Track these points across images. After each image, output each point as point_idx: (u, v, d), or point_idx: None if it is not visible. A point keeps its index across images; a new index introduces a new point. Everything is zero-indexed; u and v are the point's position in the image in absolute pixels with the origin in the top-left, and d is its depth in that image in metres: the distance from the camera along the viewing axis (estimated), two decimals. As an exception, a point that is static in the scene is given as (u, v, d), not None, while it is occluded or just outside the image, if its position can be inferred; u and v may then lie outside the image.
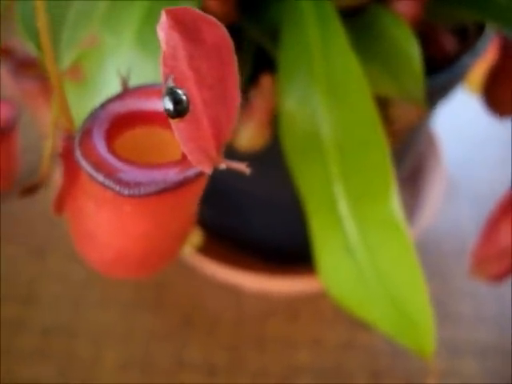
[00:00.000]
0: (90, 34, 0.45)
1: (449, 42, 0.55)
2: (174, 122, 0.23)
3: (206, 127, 0.24)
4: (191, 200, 0.31)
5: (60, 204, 0.33)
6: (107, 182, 0.27)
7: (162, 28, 0.23)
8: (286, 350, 0.66)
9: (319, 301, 0.69)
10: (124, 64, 0.46)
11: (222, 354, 0.65)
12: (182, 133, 0.24)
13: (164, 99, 0.23)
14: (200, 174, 0.27)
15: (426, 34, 0.54)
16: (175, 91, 0.23)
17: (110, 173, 0.27)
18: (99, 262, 0.34)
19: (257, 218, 0.66)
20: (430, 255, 0.74)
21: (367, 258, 0.43)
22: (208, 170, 0.26)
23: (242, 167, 0.26)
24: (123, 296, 0.69)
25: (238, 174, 0.59)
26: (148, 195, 0.27)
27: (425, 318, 0.42)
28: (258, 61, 0.51)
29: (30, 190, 0.34)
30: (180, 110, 0.23)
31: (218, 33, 0.24)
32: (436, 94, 0.54)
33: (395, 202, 0.42)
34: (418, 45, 0.47)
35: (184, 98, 0.23)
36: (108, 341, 0.66)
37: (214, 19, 0.24)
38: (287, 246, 0.68)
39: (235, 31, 0.52)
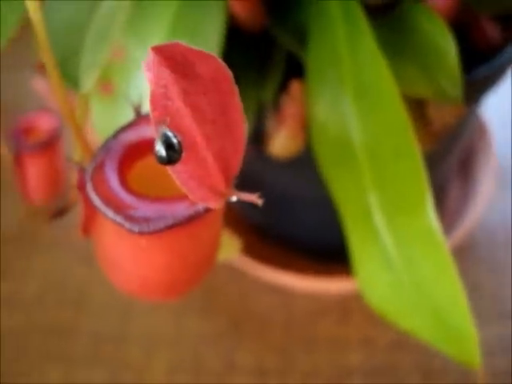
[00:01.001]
0: (116, 47, 0.45)
1: (492, 30, 0.53)
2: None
3: (211, 163, 0.23)
4: (208, 230, 0.30)
5: (86, 228, 0.33)
6: (117, 219, 0.26)
7: (149, 67, 0.22)
8: (337, 351, 0.65)
9: None
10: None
11: (272, 356, 0.65)
12: (180, 174, 0.23)
13: (156, 145, 0.22)
14: (209, 209, 0.26)
15: (467, 23, 0.52)
16: (167, 136, 0.22)
17: (120, 209, 0.27)
18: (125, 287, 0.34)
19: (304, 218, 0.66)
20: (481, 247, 0.72)
21: (405, 269, 0.42)
22: (216, 206, 0.25)
23: (253, 198, 0.24)
24: (171, 301, 0.68)
25: (280, 177, 0.60)
26: (157, 231, 0.26)
27: (467, 329, 0.41)
28: (290, 67, 0.50)
29: (59, 213, 0.34)
30: (172, 156, 0.22)
31: (213, 65, 0.23)
32: (481, 85, 0.52)
33: (431, 213, 0.40)
34: (453, 40, 0.45)
35: (176, 142, 0.22)
36: (158, 345, 0.66)
37: (206, 52, 0.23)
38: (336, 245, 0.67)
39: (265, 38, 0.52)
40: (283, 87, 0.49)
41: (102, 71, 0.48)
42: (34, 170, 0.72)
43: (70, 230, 0.75)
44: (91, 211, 0.30)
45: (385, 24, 0.46)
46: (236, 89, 0.24)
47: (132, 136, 0.29)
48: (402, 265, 0.42)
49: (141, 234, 0.26)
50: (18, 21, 0.26)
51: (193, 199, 0.24)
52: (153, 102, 0.22)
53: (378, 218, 0.42)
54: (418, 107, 0.46)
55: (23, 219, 0.77)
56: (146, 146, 0.29)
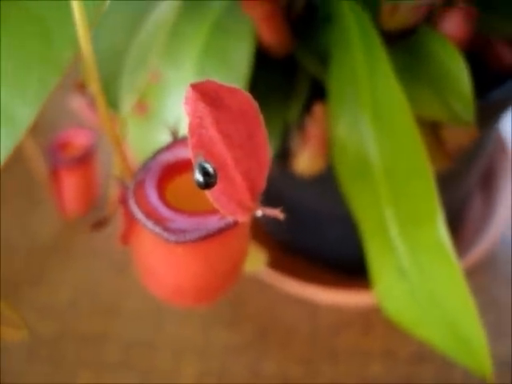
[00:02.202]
0: (151, 71, 0.48)
1: (506, 54, 0.54)
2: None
3: (239, 182, 0.27)
4: (236, 241, 0.33)
5: (125, 238, 0.36)
6: (157, 230, 0.30)
7: (188, 101, 0.25)
8: (360, 362, 0.66)
9: None
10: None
11: (297, 367, 0.66)
12: (213, 192, 0.26)
13: (195, 173, 0.25)
14: (238, 221, 0.30)
15: (481, 47, 0.54)
16: (204, 165, 0.25)
17: (159, 221, 0.30)
18: (159, 293, 0.37)
19: (327, 234, 0.67)
20: (501, 263, 0.73)
21: (419, 281, 0.44)
22: (243, 219, 0.28)
23: (276, 213, 0.27)
24: (201, 311, 0.70)
25: (306, 194, 0.62)
26: (192, 241, 0.29)
27: (478, 339, 0.42)
28: (315, 89, 0.52)
29: (99, 225, 0.37)
30: (208, 181, 0.25)
31: (240, 98, 0.27)
32: (495, 108, 0.54)
33: (442, 228, 0.43)
34: (466, 66, 0.46)
35: (211, 170, 0.26)
36: (187, 353, 0.67)
37: (235, 87, 0.26)
38: (357, 260, 0.68)
39: (290, 62, 0.54)
40: (307, 109, 0.51)
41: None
42: (70, 184, 0.76)
43: (103, 241, 0.78)
44: (131, 223, 0.33)
45: (401, 50, 0.48)
46: (261, 117, 0.27)
47: (169, 157, 0.33)
48: (416, 275, 0.44)
49: (177, 243, 0.30)
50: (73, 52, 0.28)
51: (223, 213, 0.27)
52: (190, 130, 0.25)
53: (394, 232, 0.44)
54: (432, 128, 0.48)
55: (58, 231, 0.79)
56: (182, 165, 0.33)
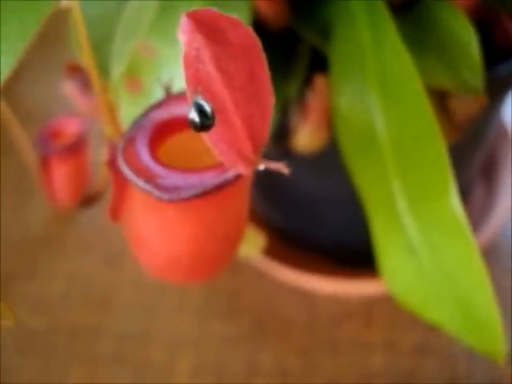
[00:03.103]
0: (143, 44, 0.46)
1: (513, 28, 0.53)
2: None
3: (239, 129, 0.24)
4: (236, 201, 0.31)
5: (115, 211, 0.34)
6: (147, 188, 0.27)
7: (184, 30, 0.23)
8: (361, 354, 0.65)
9: (394, 303, 0.67)
10: (179, 73, 0.46)
11: (295, 359, 0.65)
12: (211, 135, 0.24)
13: (190, 111, 0.23)
14: (239, 176, 0.27)
15: (489, 22, 0.52)
16: (200, 103, 0.23)
17: (150, 178, 0.27)
18: (151, 266, 0.34)
19: (326, 219, 0.66)
20: (502, 252, 0.71)
21: (430, 258, 0.42)
22: (245, 172, 0.25)
23: (281, 167, 0.25)
24: (196, 302, 0.69)
25: (303, 177, 0.60)
26: (187, 199, 0.27)
27: (492, 318, 0.40)
28: (314, 62, 0.51)
29: (88, 201, 0.35)
30: (205, 123, 0.23)
31: (243, 32, 0.24)
32: (502, 82, 0.52)
33: (455, 200, 0.41)
34: (475, 34, 0.45)
35: (209, 110, 0.23)
36: (182, 346, 0.66)
37: (237, 19, 0.24)
38: (359, 248, 0.67)
39: (289, 34, 0.52)
40: (307, 82, 0.49)
41: (130, 69, 0.49)
42: (61, 173, 0.73)
43: (95, 233, 0.76)
44: (121, 188, 0.31)
45: (407, 20, 0.47)
46: (264, 57, 0.25)
47: (163, 114, 0.30)
48: (426, 252, 0.42)
49: (170, 202, 0.27)
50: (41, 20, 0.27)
51: (223, 161, 0.25)
52: (186, 62, 0.23)
53: (402, 205, 0.42)
54: (440, 99, 0.47)
55: (49, 221, 0.78)
56: (176, 124, 0.30)
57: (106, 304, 0.70)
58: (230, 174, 0.27)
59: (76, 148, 0.73)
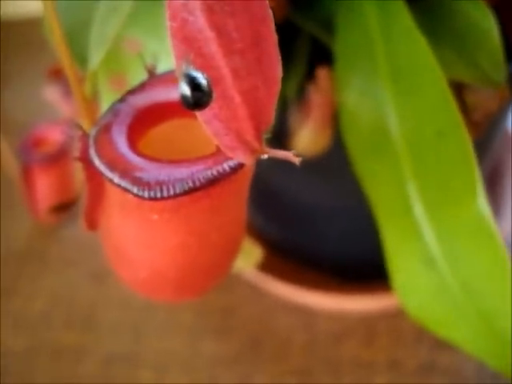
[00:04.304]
0: (127, 39, 0.43)
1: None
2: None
3: (238, 105, 0.19)
4: (233, 200, 0.25)
5: (91, 216, 0.29)
6: (123, 183, 0.22)
7: None
8: (363, 374, 0.63)
9: (398, 319, 0.66)
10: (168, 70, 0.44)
11: (294, 380, 0.62)
12: (203, 112, 0.18)
13: (179, 83, 0.17)
14: (237, 167, 0.22)
15: (505, 10, 0.49)
16: (193, 74, 0.17)
17: (126, 171, 0.22)
18: (132, 280, 0.29)
19: (325, 232, 0.64)
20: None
21: (450, 270, 0.39)
22: (245, 161, 0.20)
23: (290, 156, 0.20)
24: (186, 320, 0.68)
25: (300, 184, 0.57)
26: (173, 197, 0.22)
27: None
28: (314, 56, 0.48)
29: (61, 207, 0.31)
30: (199, 99, 0.17)
31: None
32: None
33: (483, 204, 0.37)
34: (495, 22, 0.42)
35: (204, 83, 0.17)
36: (172, 368, 0.64)
37: None
38: (360, 261, 0.65)
39: (288, 26, 0.49)
40: (308, 77, 0.47)
41: (113, 65, 0.47)
42: (43, 183, 0.72)
43: (79, 248, 0.74)
44: (96, 187, 0.26)
45: (420, 8, 0.44)
46: (271, 15, 0.20)
47: (144, 99, 0.26)
48: (447, 263, 0.39)
49: (152, 200, 0.22)
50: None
51: (219, 145, 0.20)
52: (171, 12, 0.17)
53: (419, 211, 0.39)
54: (457, 94, 0.43)
55: (31, 235, 0.76)
56: (160, 110, 0.25)
57: (90, 323, 0.68)
58: (226, 165, 0.22)
59: (59, 156, 0.72)
